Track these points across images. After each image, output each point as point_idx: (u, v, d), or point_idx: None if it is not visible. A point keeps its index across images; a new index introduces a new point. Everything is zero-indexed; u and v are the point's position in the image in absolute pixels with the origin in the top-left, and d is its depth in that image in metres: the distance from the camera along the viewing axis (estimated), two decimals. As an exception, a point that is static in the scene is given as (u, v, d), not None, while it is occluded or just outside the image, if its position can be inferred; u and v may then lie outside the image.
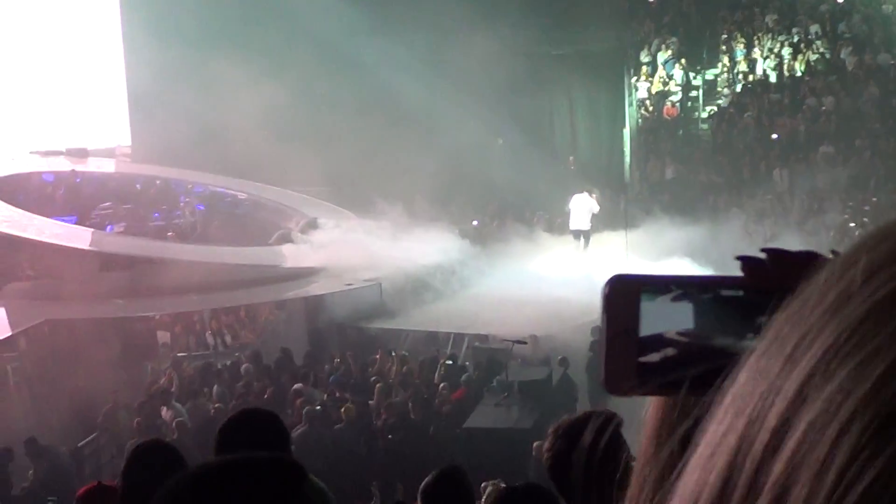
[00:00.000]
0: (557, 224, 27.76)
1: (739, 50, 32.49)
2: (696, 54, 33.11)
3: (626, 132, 32.26)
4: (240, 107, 26.40)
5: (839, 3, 32.54)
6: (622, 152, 32.29)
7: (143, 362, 20.86)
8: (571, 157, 32.65)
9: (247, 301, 22.92)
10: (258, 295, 22.91)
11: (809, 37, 32.04)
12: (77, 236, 23.95)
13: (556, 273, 22.83)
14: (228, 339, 22.74)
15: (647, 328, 1.00)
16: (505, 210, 29.40)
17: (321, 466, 15.42)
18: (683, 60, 32.61)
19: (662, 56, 32.80)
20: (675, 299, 1.00)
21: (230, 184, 28.31)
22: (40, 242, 22.65)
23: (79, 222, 25.44)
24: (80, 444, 17.25)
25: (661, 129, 32.04)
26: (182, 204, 28.03)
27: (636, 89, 32.52)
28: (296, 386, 17.85)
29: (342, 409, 16.72)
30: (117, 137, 31.72)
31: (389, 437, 16.54)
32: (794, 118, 30.46)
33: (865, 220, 25.01)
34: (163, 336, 22.39)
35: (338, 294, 22.52)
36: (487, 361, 19.21)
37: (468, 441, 16.17)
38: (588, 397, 17.38)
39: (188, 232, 26.68)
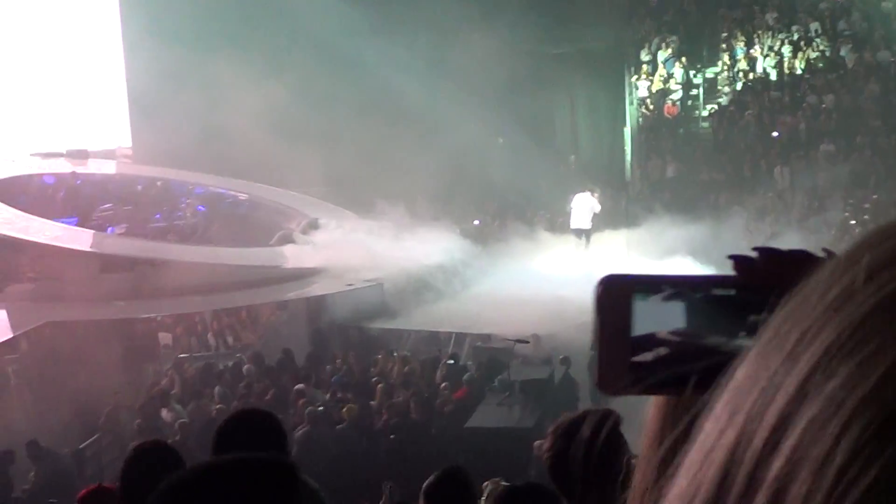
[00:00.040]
0: (559, 223, 27.77)
1: (740, 48, 32.49)
2: (696, 53, 33.12)
3: (627, 131, 32.26)
4: (240, 107, 26.39)
5: (839, 1, 32.54)
6: (623, 151, 32.30)
7: (144, 364, 20.86)
8: (572, 157, 32.68)
9: (248, 302, 22.93)
10: (259, 296, 22.91)
11: (809, 34, 32.03)
12: (78, 238, 23.93)
13: (558, 272, 22.81)
14: (230, 339, 22.76)
15: (639, 328, 1.00)
16: (506, 209, 29.42)
17: (323, 467, 15.42)
18: (684, 59, 32.60)
19: (663, 54, 32.80)
20: (667, 299, 1.00)
21: (231, 185, 28.30)
22: (41, 244, 22.63)
23: (80, 224, 25.42)
24: (81, 446, 17.25)
25: (661, 127, 32.05)
26: (183, 205, 28.00)
27: (637, 88, 32.51)
28: (297, 386, 17.86)
29: (344, 410, 16.73)
30: (118, 139, 31.72)
31: (392, 437, 16.54)
32: (794, 116, 30.46)
33: (866, 217, 25.01)
34: (164, 337, 22.40)
35: (339, 294, 22.51)
36: (489, 361, 19.21)
37: (470, 441, 16.16)
38: (590, 396, 17.36)
39: (189, 233, 26.67)
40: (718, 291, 1.00)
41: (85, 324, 20.82)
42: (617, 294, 1.00)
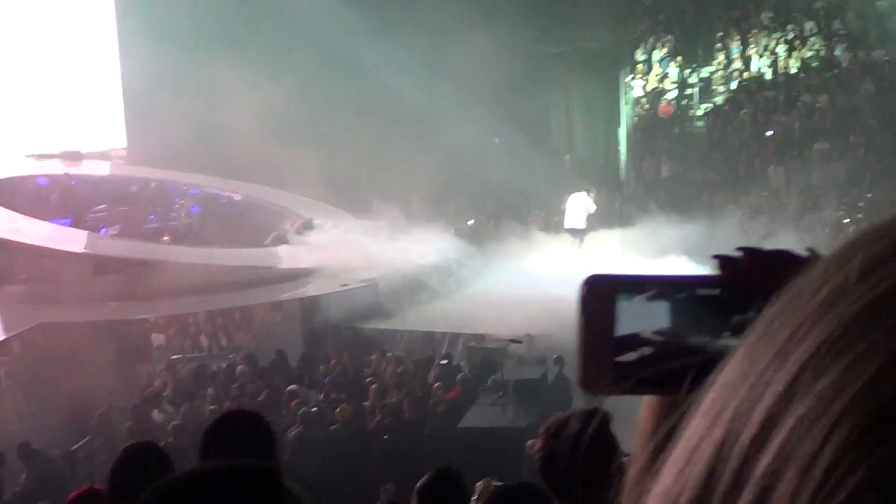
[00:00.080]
0: (553, 223, 27.79)
1: (735, 47, 32.52)
2: (691, 52, 33.14)
3: (622, 130, 32.29)
4: (236, 108, 26.40)
5: (834, 1, 32.58)
6: (618, 150, 32.32)
7: (137, 365, 20.84)
8: (568, 156, 32.71)
9: (242, 302, 22.93)
10: (254, 296, 22.91)
11: (804, 34, 32.07)
12: (71, 239, 23.93)
13: (552, 272, 22.81)
14: (223, 340, 22.75)
15: (623, 327, 1.00)
16: (501, 209, 29.45)
17: (317, 468, 15.42)
18: (679, 58, 32.63)
19: (658, 54, 32.82)
20: (651, 298, 1.00)
21: (226, 185, 28.31)
22: (34, 246, 22.63)
23: (73, 225, 25.42)
24: (73, 448, 17.23)
25: (656, 127, 32.07)
26: (177, 206, 28.01)
27: (632, 88, 32.54)
28: (291, 387, 17.85)
29: (337, 410, 16.72)
30: (112, 140, 31.72)
31: (385, 437, 16.54)
32: (789, 115, 30.50)
33: (860, 216, 25.05)
34: (157, 338, 22.40)
35: (333, 295, 22.51)
36: (483, 361, 19.21)
37: (464, 441, 16.16)
38: (584, 396, 17.33)
39: (183, 234, 26.67)
40: (703, 291, 1.00)
41: (78, 325, 20.82)
42: (601, 294, 1.00)
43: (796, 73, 31.50)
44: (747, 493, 0.56)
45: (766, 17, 32.78)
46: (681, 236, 24.05)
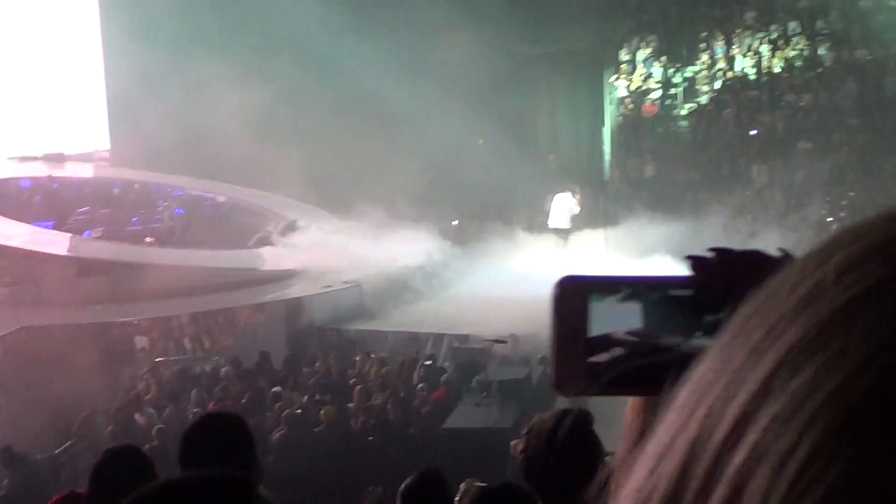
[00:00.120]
0: (538, 223, 27.83)
1: (719, 47, 32.59)
2: (675, 52, 33.20)
3: (606, 130, 32.34)
4: (220, 110, 26.38)
5: (817, 0, 32.67)
6: (602, 150, 32.38)
7: (121, 368, 20.79)
8: (552, 156, 32.73)
9: (226, 304, 22.90)
10: (237, 298, 22.89)
11: (788, 34, 32.16)
12: (54, 242, 23.86)
13: (537, 272, 22.82)
14: (207, 343, 22.70)
15: (596, 328, 1.01)
16: (485, 210, 29.45)
17: (302, 470, 15.41)
18: (663, 58, 32.68)
19: (642, 54, 32.87)
20: (623, 300, 0.99)
21: (209, 187, 28.28)
22: (17, 248, 22.56)
23: (56, 227, 25.35)
24: (56, 452, 17.16)
25: (640, 126, 32.12)
26: (160, 208, 27.96)
27: (616, 88, 32.59)
28: (274, 389, 17.84)
29: (322, 412, 16.71)
30: (95, 142, 31.64)
31: (370, 438, 16.52)
32: (772, 115, 30.59)
33: (843, 215, 25.14)
34: (141, 341, 22.34)
35: (317, 296, 22.50)
36: (467, 361, 19.22)
37: (448, 441, 16.16)
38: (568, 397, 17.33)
39: (167, 236, 26.63)
40: (675, 292, 0.99)
41: (61, 328, 20.76)
42: (574, 295, 1.01)
43: (780, 73, 31.60)
44: (720, 491, 0.55)
45: (749, 16, 32.86)
46: (665, 236, 24.09)
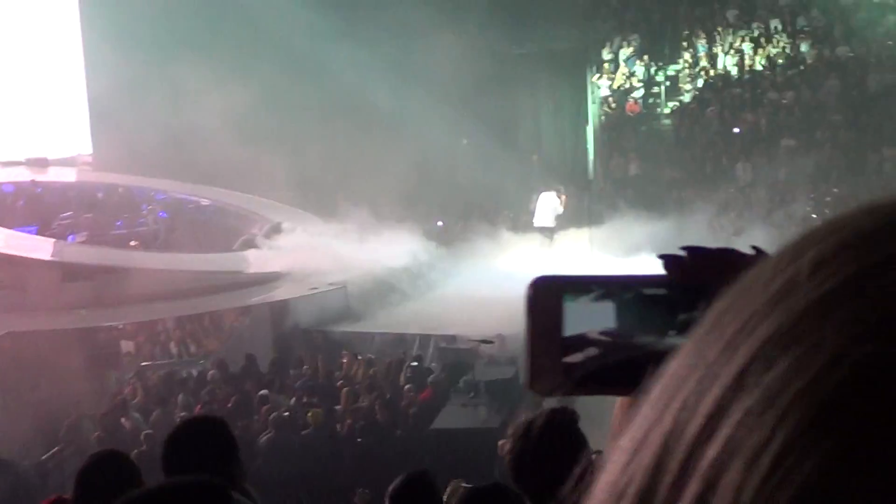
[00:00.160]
0: (522, 222, 27.83)
1: (701, 45, 32.65)
2: (658, 51, 33.25)
3: (590, 129, 32.36)
4: (203, 112, 26.31)
5: (798, -3, 32.79)
6: (586, 149, 32.39)
7: (107, 372, 20.73)
8: (535, 156, 32.73)
9: (211, 308, 22.85)
10: (223, 301, 22.83)
11: (770, 31, 32.24)
12: (38, 247, 23.79)
13: (522, 271, 22.79)
14: (193, 347, 22.65)
15: (570, 328, 1.00)
16: (470, 210, 29.45)
17: (289, 472, 15.39)
18: (646, 57, 32.73)
19: (625, 53, 32.92)
20: (597, 299, 0.99)
21: (193, 190, 28.21)
22: (1, 254, 22.47)
23: (40, 232, 25.27)
24: (43, 458, 17.11)
25: (624, 125, 32.17)
26: (145, 212, 27.89)
27: (599, 87, 32.62)
28: (261, 392, 17.80)
29: (309, 415, 16.68)
30: (78, 146, 31.54)
31: (359, 440, 16.50)
32: (755, 112, 30.66)
33: (827, 211, 25.19)
34: (126, 345, 22.29)
35: (303, 298, 22.47)
36: (454, 362, 19.21)
37: (436, 442, 16.16)
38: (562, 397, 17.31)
39: (151, 240, 26.56)
40: (649, 291, 1.00)
41: (46, 333, 20.69)
42: (547, 295, 1.01)
43: (762, 71, 31.67)
44: (694, 484, 0.55)
45: (731, 14, 32.93)
46: (650, 234, 24.11)
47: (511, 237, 26.75)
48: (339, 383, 18.46)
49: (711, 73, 32.19)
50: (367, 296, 22.77)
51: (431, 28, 28.69)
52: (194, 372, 20.30)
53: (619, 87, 32.45)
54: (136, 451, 14.09)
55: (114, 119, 28.58)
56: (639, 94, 32.45)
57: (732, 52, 32.17)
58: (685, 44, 33.08)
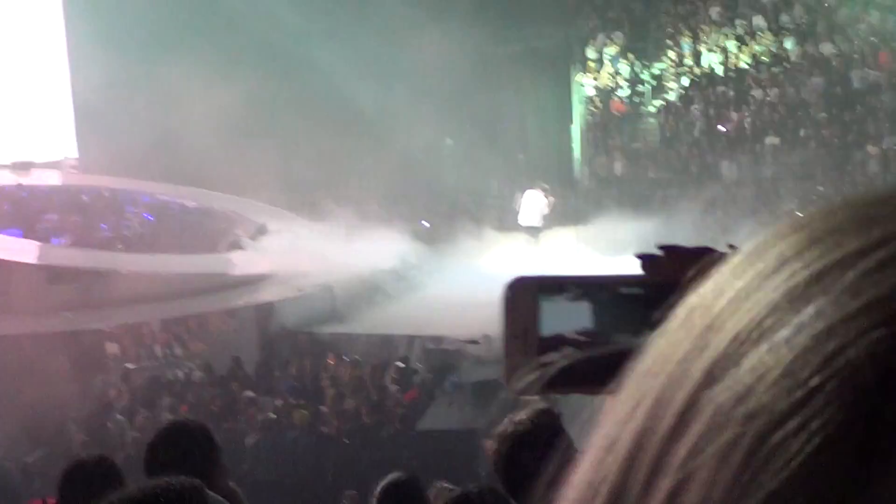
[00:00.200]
0: (507, 222, 27.87)
1: (685, 44, 32.71)
2: (642, 49, 33.30)
3: (575, 128, 32.40)
4: (188, 114, 26.27)
5: (782, -5, 32.89)
6: (571, 148, 32.44)
7: (92, 375, 20.70)
8: (521, 155, 32.76)
9: (197, 310, 22.83)
10: (208, 303, 22.81)
11: (754, 29, 32.32)
12: (23, 250, 23.72)
13: (508, 271, 22.66)
14: (179, 349, 22.63)
15: (547, 328, 1.01)
16: (455, 210, 29.46)
17: (276, 474, 15.39)
18: (630, 55, 32.79)
19: (609, 52, 32.96)
20: (573, 299, 0.99)
21: (178, 192, 28.16)
22: (-15, 258, 22.43)
23: (24, 236, 25.20)
24: (28, 461, 17.08)
25: (609, 124, 32.21)
26: (130, 214, 27.84)
27: (583, 86, 32.66)
28: (247, 394, 17.80)
29: (295, 416, 16.68)
30: (63, 149, 31.48)
31: (346, 441, 16.51)
32: (740, 110, 30.74)
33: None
34: (112, 348, 22.25)
35: (289, 300, 22.46)
36: (440, 363, 19.22)
37: (422, 443, 16.17)
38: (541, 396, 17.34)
39: (137, 242, 26.52)
40: (625, 290, 1.00)
41: (31, 336, 20.65)
42: (524, 295, 1.01)
43: (746, 68, 31.76)
44: (666, 481, 0.56)
45: (715, 12, 33.00)
46: (636, 233, 24.13)
47: (496, 237, 26.78)
48: (324, 384, 18.46)
49: (696, 71, 32.26)
50: (353, 297, 22.79)
51: (416, 27, 28.70)
52: (180, 374, 20.30)
53: (604, 86, 32.50)
54: (122, 454, 14.10)
55: (99, 122, 28.55)
56: (624, 92, 32.50)
57: (717, 49, 32.24)
58: (669, 42, 33.13)
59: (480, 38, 31.07)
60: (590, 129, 32.23)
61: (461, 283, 23.01)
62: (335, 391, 17.76)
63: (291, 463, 15.82)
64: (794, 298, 0.56)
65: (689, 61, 32.42)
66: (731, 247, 0.98)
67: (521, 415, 4.36)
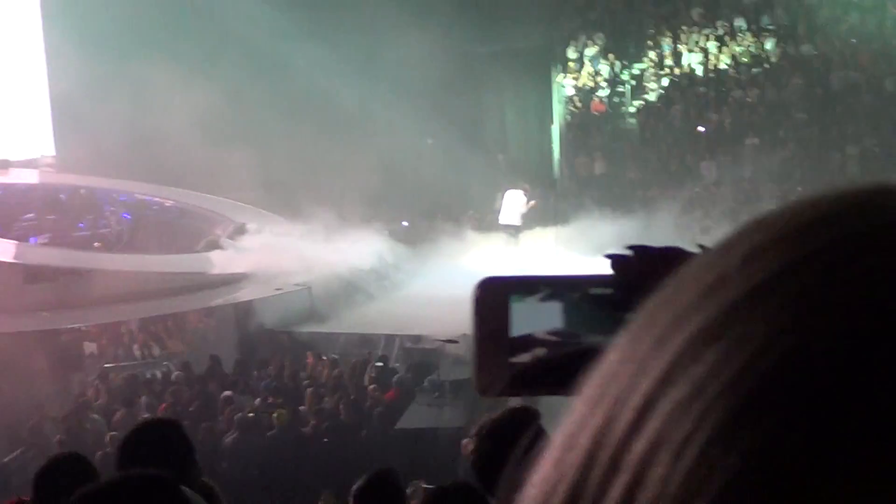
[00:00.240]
0: (487, 222, 27.86)
1: (666, 44, 32.76)
2: (622, 50, 33.34)
3: (555, 128, 32.42)
4: (166, 113, 26.20)
5: (762, -4, 32.98)
6: (551, 148, 32.46)
7: (70, 374, 20.62)
8: (501, 155, 32.77)
9: (176, 309, 22.76)
10: (187, 302, 22.75)
11: (734, 30, 32.38)
12: (0, 249, 23.61)
13: (488, 270, 22.76)
14: (157, 348, 22.55)
15: (517, 329, 0.98)
16: (435, 209, 29.44)
17: (255, 473, 15.35)
18: (611, 56, 32.81)
19: (589, 52, 32.99)
20: (543, 299, 0.98)
21: (157, 191, 28.06)
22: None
23: (1, 235, 25.06)
24: (6, 460, 17.01)
25: (589, 124, 32.23)
26: (107, 213, 27.72)
27: (564, 86, 32.67)
28: (225, 393, 17.75)
29: (274, 415, 16.65)
30: (40, 147, 31.30)
31: (325, 440, 16.48)
32: (720, 111, 30.80)
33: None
34: (89, 347, 22.16)
35: (268, 299, 22.41)
36: (419, 362, 19.22)
37: (401, 442, 16.16)
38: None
39: (114, 241, 26.41)
40: (595, 291, 0.98)
41: (9, 335, 20.55)
42: (494, 296, 0.99)
43: (727, 69, 31.82)
44: (622, 478, 0.56)
45: (696, 13, 33.06)
46: (616, 233, 24.15)
47: (476, 237, 26.78)
48: (303, 384, 18.43)
49: (676, 71, 32.31)
50: (332, 296, 22.76)
51: (396, 28, 28.69)
52: (158, 373, 20.23)
53: (584, 86, 32.52)
54: (100, 452, 14.05)
55: (76, 120, 28.40)
56: (604, 93, 32.52)
57: (697, 50, 32.30)
58: (650, 42, 33.18)
59: (461, 38, 31.08)
60: (570, 129, 32.25)
61: (441, 282, 23.01)
62: (314, 390, 17.72)
63: (270, 462, 15.77)
64: (755, 297, 0.56)
65: (669, 62, 32.47)
66: (701, 247, 0.97)
67: (500, 413, 4.36)
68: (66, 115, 29.68)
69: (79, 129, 28.15)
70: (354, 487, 6.07)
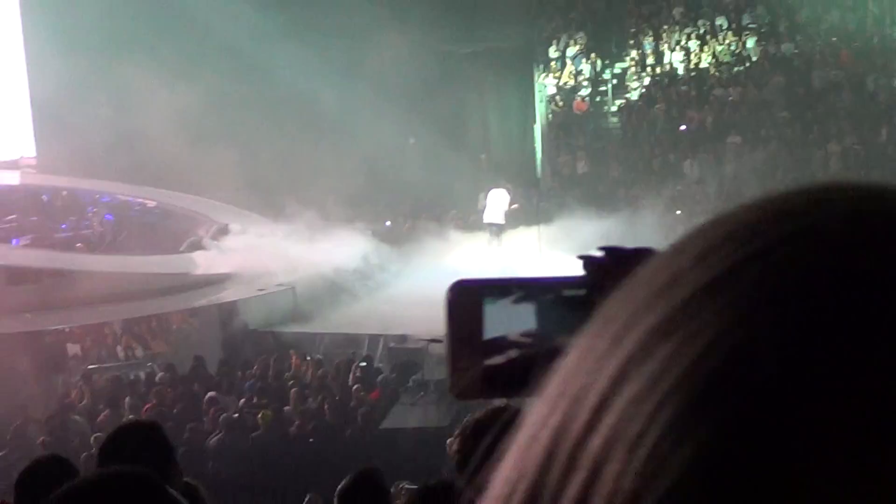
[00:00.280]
0: (470, 221, 27.85)
1: (647, 43, 32.80)
2: (604, 49, 33.37)
3: (538, 128, 32.42)
4: (148, 114, 26.12)
5: (743, -6, 33.04)
6: (534, 148, 32.46)
7: (53, 376, 20.54)
8: (483, 155, 32.76)
9: (159, 310, 22.69)
10: (170, 303, 22.68)
11: (715, 29, 32.44)
12: (-19, 251, 23.54)
13: (471, 269, 22.82)
14: (140, 349, 22.48)
15: (491, 331, 0.99)
16: (418, 209, 29.41)
17: (240, 474, 15.32)
18: (592, 55, 32.83)
19: (571, 51, 33.00)
20: (516, 301, 0.99)
21: (139, 192, 27.96)
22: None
23: (-17, 236, 24.98)
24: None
25: (571, 123, 32.25)
26: (90, 214, 27.61)
27: (546, 85, 32.68)
28: (210, 394, 17.71)
29: (259, 416, 16.62)
30: (21, 148, 31.17)
31: (311, 440, 16.45)
32: (702, 109, 30.85)
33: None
34: (73, 348, 22.08)
35: (251, 300, 22.37)
36: (403, 362, 19.20)
37: (386, 442, 16.14)
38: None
39: (97, 242, 26.31)
40: (568, 292, 0.99)
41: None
42: (467, 299, 1.00)
43: (708, 68, 31.88)
44: (579, 475, 0.57)
45: (677, 12, 33.11)
46: (599, 232, 24.15)
47: (459, 236, 26.75)
48: (288, 384, 18.40)
49: (658, 70, 32.35)
50: (316, 296, 22.72)
51: (377, 28, 28.68)
52: (142, 374, 20.16)
53: (565, 86, 32.53)
54: (84, 454, 14.01)
55: (57, 121, 28.29)
56: (586, 92, 32.55)
57: (679, 49, 32.35)
58: (632, 41, 33.22)
59: (443, 39, 31.07)
60: (552, 128, 32.26)
61: (424, 282, 22.98)
62: (298, 390, 17.69)
63: (255, 462, 15.75)
64: (707, 293, 0.57)
65: (651, 60, 32.51)
66: (674, 248, 0.98)
67: (484, 413, 4.36)
68: (47, 116, 29.56)
69: (60, 129, 28.04)
70: (339, 487, 6.08)
